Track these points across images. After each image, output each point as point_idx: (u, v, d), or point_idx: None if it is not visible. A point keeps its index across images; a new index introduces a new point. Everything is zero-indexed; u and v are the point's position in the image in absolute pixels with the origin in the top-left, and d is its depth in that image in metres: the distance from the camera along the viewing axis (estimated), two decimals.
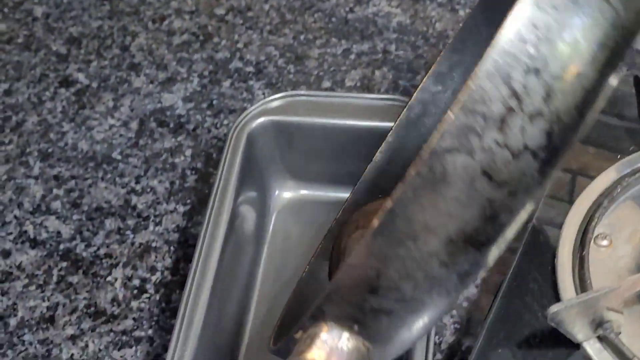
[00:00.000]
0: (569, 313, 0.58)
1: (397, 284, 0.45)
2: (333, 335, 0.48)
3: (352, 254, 0.45)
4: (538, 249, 0.68)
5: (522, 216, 0.45)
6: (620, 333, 0.61)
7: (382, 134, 0.82)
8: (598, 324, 0.60)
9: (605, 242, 0.67)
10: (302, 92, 0.82)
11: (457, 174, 0.42)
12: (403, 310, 0.46)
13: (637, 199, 0.69)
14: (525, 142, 0.42)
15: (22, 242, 0.85)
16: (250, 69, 0.98)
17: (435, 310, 0.48)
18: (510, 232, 0.45)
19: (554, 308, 0.58)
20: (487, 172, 0.42)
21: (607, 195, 0.68)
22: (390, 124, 0.81)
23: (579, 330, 0.60)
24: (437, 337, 0.76)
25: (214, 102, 0.95)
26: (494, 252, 0.46)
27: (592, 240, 0.66)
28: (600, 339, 0.61)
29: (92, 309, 0.80)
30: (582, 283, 0.64)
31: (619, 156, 0.72)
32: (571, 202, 0.70)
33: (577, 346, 0.62)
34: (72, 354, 0.77)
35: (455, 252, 0.44)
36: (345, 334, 0.48)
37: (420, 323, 0.48)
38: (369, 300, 0.46)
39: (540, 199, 0.45)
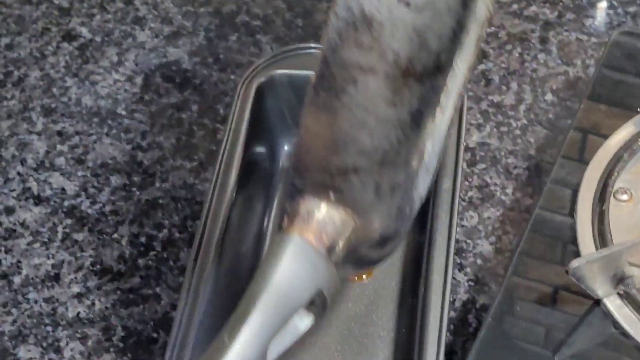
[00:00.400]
0: (590, 268, 0.57)
1: (352, 134, 0.45)
2: (310, 207, 0.47)
3: (302, 116, 0.46)
4: (553, 208, 0.66)
5: (458, 39, 0.44)
6: None
7: None
8: (619, 280, 0.59)
9: (625, 197, 0.65)
10: (313, 44, 0.80)
11: (375, 8, 0.42)
12: (368, 163, 0.45)
13: None
14: None
15: (26, 199, 0.83)
16: (257, 22, 0.96)
17: (405, 164, 0.46)
18: (446, 56, 0.44)
19: (575, 263, 0.56)
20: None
21: (627, 149, 0.67)
22: None
23: (599, 286, 0.59)
24: (451, 294, 0.74)
25: (221, 56, 0.93)
26: (439, 83, 0.45)
27: (612, 195, 0.65)
28: (621, 295, 0.60)
29: (98, 266, 0.79)
30: (602, 238, 0.62)
31: (639, 109, 0.70)
32: (582, 161, 0.68)
33: (597, 302, 0.60)
34: (79, 312, 0.76)
35: (397, 87, 0.43)
36: (323, 204, 0.47)
37: (394, 179, 0.47)
38: (332, 161, 0.46)
39: (479, 23, 0.44)
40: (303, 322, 0.46)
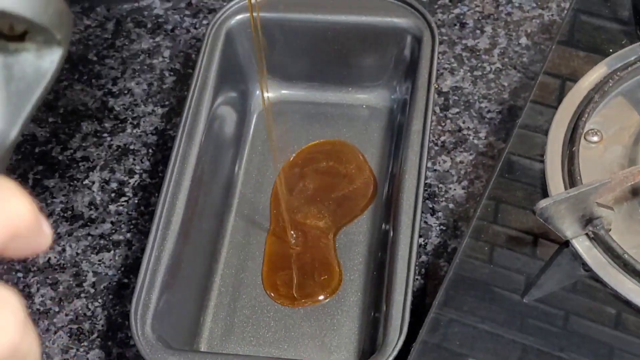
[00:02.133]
0: (557, 208, 0.56)
1: None
2: None
3: None
4: (524, 152, 0.66)
5: None
6: (610, 230, 0.59)
7: (367, 30, 0.79)
8: (588, 221, 0.59)
9: (595, 138, 0.65)
10: None
11: None
12: None
13: (628, 94, 0.67)
14: None
15: None
16: None
17: None
18: None
19: (542, 203, 0.56)
20: None
21: (598, 91, 0.66)
22: (377, 19, 0.79)
23: (567, 227, 0.59)
24: (422, 238, 0.74)
25: (193, 1, 0.92)
26: None
27: (582, 136, 0.64)
28: (590, 236, 0.60)
29: (69, 212, 0.78)
30: (571, 179, 0.62)
31: (610, 51, 0.69)
32: (552, 105, 0.68)
33: (566, 244, 0.60)
34: (49, 258, 0.75)
35: None
36: None
37: None
38: None
39: None
40: (32, 64, 0.35)
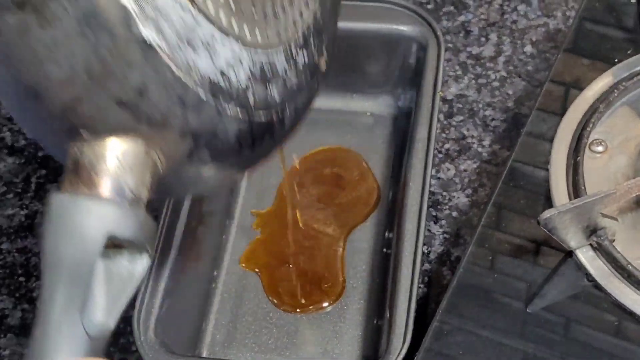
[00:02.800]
0: (562, 219, 0.56)
1: (42, 74, 0.41)
2: (72, 155, 0.43)
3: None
4: (529, 159, 0.66)
5: None
6: (614, 240, 0.59)
7: (373, 37, 0.79)
8: (592, 231, 0.59)
9: (600, 148, 0.64)
10: None
11: None
12: (81, 87, 0.41)
13: (634, 104, 0.67)
14: None
15: (0, 149, 0.83)
16: None
17: (123, 64, 0.42)
18: None
19: (546, 213, 0.56)
20: None
21: (603, 100, 0.66)
22: (382, 26, 0.79)
23: (572, 237, 0.58)
24: (425, 247, 0.74)
25: None
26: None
27: (587, 146, 0.64)
28: (594, 247, 0.60)
29: None
30: (576, 189, 0.62)
31: (616, 60, 0.69)
32: (558, 113, 0.67)
33: (570, 254, 0.60)
34: None
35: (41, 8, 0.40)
36: (84, 145, 0.42)
37: (127, 83, 0.42)
38: (49, 106, 0.42)
39: None
40: (126, 267, 0.43)
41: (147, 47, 0.41)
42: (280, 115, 0.50)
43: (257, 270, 0.74)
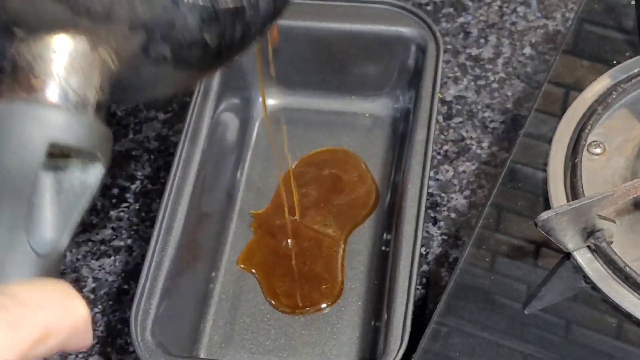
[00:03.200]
0: (559, 220, 0.56)
1: None
2: (11, 58, 0.39)
3: None
4: (528, 161, 0.66)
5: None
6: (612, 242, 0.59)
7: (372, 38, 0.79)
8: (589, 233, 0.59)
9: (598, 150, 0.65)
10: None
11: None
12: None
13: (632, 106, 0.67)
14: None
15: None
16: None
17: None
18: None
19: (544, 215, 0.56)
20: None
21: (602, 102, 0.66)
22: (381, 28, 0.79)
23: (569, 239, 0.58)
24: (424, 248, 0.74)
25: None
26: None
27: (585, 148, 0.64)
28: (591, 249, 0.60)
29: None
30: (574, 191, 0.62)
31: (614, 62, 0.69)
32: (556, 115, 0.68)
33: (567, 256, 0.60)
34: None
35: None
36: (20, 45, 0.39)
37: None
38: None
39: None
40: (78, 178, 0.39)
41: None
42: None
43: (254, 271, 0.74)
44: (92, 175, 0.40)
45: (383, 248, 0.74)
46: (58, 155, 0.39)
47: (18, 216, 0.37)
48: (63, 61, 0.39)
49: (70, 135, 0.38)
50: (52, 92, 0.38)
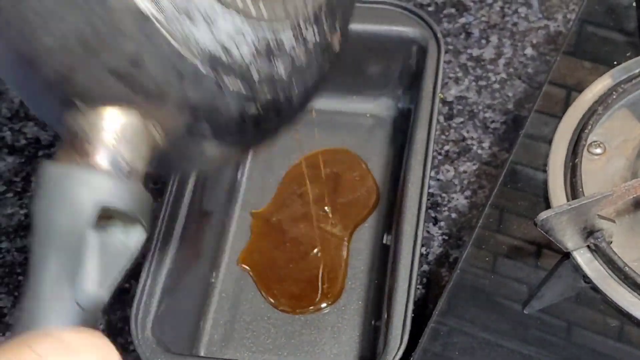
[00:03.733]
0: (559, 220, 0.56)
1: (36, 41, 0.41)
2: (69, 126, 0.42)
3: None
4: (528, 161, 0.66)
5: None
6: (611, 242, 0.59)
7: (373, 39, 0.79)
8: (589, 233, 0.59)
9: (598, 150, 0.65)
10: None
11: None
12: (74, 56, 0.41)
13: (632, 106, 0.67)
14: None
15: (0, 149, 0.83)
16: None
17: (117, 33, 0.41)
18: None
19: (543, 214, 0.56)
20: None
21: (602, 103, 0.66)
22: (382, 28, 0.79)
23: (569, 239, 0.59)
24: (424, 248, 0.74)
25: None
26: None
27: (585, 148, 0.64)
28: (591, 248, 0.60)
29: None
30: (573, 191, 0.62)
31: (615, 62, 0.69)
32: (556, 115, 0.67)
33: (567, 255, 0.60)
34: None
35: None
36: (79, 115, 0.42)
37: (122, 54, 0.42)
38: (44, 74, 0.42)
39: None
40: (120, 240, 0.42)
41: (142, 17, 0.41)
42: (288, 92, 0.48)
43: (254, 270, 0.74)
44: (133, 237, 0.43)
45: (384, 247, 0.74)
46: (105, 217, 0.42)
47: (65, 271, 0.41)
48: (116, 132, 0.42)
49: (117, 200, 0.41)
50: (104, 159, 0.42)
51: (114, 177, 0.42)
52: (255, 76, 0.46)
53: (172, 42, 0.42)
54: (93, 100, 0.42)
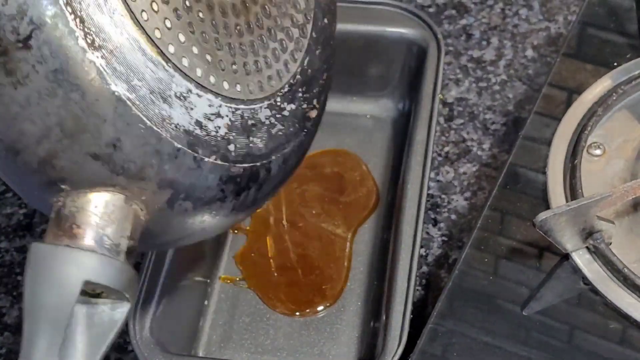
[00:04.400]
0: (558, 221, 0.56)
1: (16, 131, 0.43)
2: (56, 209, 0.45)
3: None
4: (527, 163, 0.65)
5: None
6: (611, 243, 0.59)
7: (373, 40, 0.80)
8: (588, 234, 0.58)
9: (598, 152, 0.64)
10: None
11: None
12: (56, 143, 0.43)
13: (632, 107, 0.67)
14: None
15: None
16: None
17: (95, 119, 0.43)
18: None
19: (542, 215, 0.56)
20: None
21: (602, 104, 0.66)
22: (383, 29, 0.79)
23: (568, 240, 0.58)
24: (423, 249, 0.74)
25: None
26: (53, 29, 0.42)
27: (585, 150, 0.64)
28: (590, 250, 0.59)
29: None
30: (573, 192, 0.62)
31: (615, 64, 0.69)
32: (556, 117, 0.67)
33: (566, 257, 0.60)
34: None
35: (9, 68, 0.42)
36: (67, 198, 0.44)
37: (100, 140, 0.43)
38: (27, 161, 0.44)
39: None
40: (107, 314, 0.45)
41: (118, 102, 0.43)
42: (267, 164, 0.51)
43: (250, 270, 0.74)
44: (119, 312, 0.45)
45: (383, 248, 0.73)
46: (91, 293, 0.44)
47: (53, 344, 0.43)
48: (100, 212, 0.44)
49: (103, 276, 0.43)
50: (90, 238, 0.44)
51: (98, 254, 0.43)
52: (232, 150, 0.48)
53: (149, 123, 0.44)
54: (76, 182, 0.44)
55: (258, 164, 0.50)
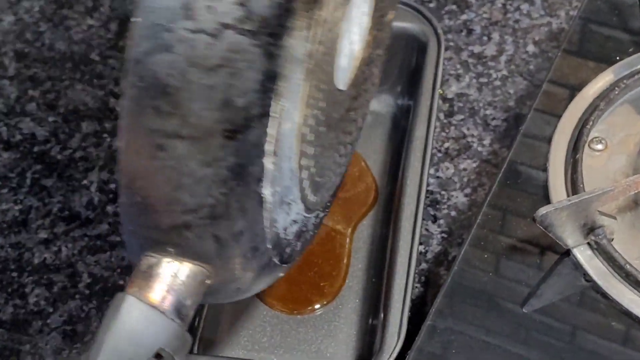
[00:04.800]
0: (559, 216, 0.55)
1: (172, 195, 0.44)
2: (151, 264, 0.46)
3: (119, 179, 0.45)
4: (527, 160, 0.65)
5: (269, 88, 0.42)
6: (612, 239, 0.58)
7: None
8: (590, 229, 0.58)
9: (600, 147, 0.64)
10: None
11: (166, 73, 0.41)
12: (198, 219, 0.45)
13: (635, 102, 0.66)
14: (219, 19, 0.40)
15: None
16: None
17: (242, 212, 0.46)
18: (257, 109, 0.43)
19: (543, 210, 0.55)
20: (193, 62, 0.41)
21: (604, 98, 0.65)
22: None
23: (569, 236, 0.58)
24: (423, 246, 0.73)
25: None
26: (256, 136, 0.43)
27: (587, 144, 0.63)
28: (591, 246, 0.59)
29: (66, 212, 0.77)
30: (574, 187, 0.61)
31: (617, 57, 0.68)
32: (556, 113, 0.67)
33: (567, 253, 0.59)
34: (45, 258, 0.75)
35: (207, 148, 0.43)
36: (165, 260, 0.46)
37: (233, 228, 0.46)
38: (161, 219, 0.45)
39: (301, 61, 0.45)
40: None
41: (260, 202, 0.46)
42: (293, 255, 0.55)
43: None
44: None
45: (381, 245, 0.73)
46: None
47: None
48: (188, 283, 0.46)
49: (175, 347, 0.46)
50: (173, 305, 0.46)
51: (177, 325, 0.46)
52: (288, 251, 0.53)
53: (266, 224, 0.47)
54: (184, 252, 0.46)
55: (288, 251, 0.53)
